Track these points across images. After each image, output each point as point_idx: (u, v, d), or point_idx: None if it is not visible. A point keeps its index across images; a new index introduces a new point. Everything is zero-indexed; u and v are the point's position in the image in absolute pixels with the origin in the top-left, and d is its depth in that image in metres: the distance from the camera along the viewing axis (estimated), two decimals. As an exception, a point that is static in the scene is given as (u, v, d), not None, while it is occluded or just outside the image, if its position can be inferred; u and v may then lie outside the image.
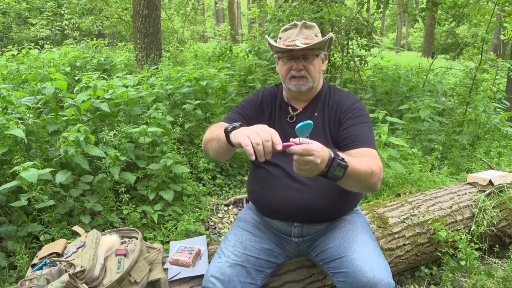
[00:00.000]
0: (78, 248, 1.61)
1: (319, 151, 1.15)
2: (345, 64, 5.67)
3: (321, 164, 1.16)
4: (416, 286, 2.05)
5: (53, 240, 2.21)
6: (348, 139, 1.51)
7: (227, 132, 1.31)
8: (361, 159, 1.36)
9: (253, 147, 1.13)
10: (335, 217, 1.61)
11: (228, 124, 1.34)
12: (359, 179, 1.31)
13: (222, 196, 3.38)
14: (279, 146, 1.15)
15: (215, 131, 1.46)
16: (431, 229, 2.14)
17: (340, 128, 1.56)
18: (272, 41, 1.59)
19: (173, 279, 1.64)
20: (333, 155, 1.22)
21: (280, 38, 1.61)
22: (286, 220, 1.61)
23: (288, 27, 1.60)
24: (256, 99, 1.70)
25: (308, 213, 1.55)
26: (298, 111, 1.65)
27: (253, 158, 1.13)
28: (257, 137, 1.14)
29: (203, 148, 1.59)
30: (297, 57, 1.54)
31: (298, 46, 1.50)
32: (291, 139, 1.17)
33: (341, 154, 1.27)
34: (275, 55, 1.65)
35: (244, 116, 1.64)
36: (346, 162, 1.23)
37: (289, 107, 1.67)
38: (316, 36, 1.58)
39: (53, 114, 2.97)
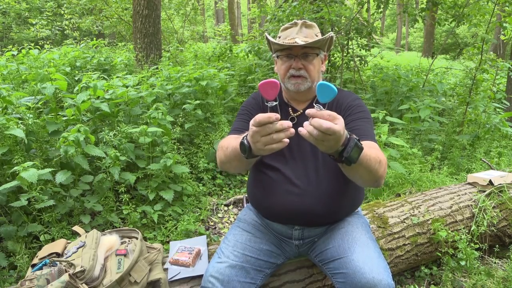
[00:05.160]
0: (78, 248, 1.61)
1: (342, 123, 1.07)
2: (345, 64, 5.67)
3: (341, 138, 1.08)
4: (416, 286, 2.05)
5: (53, 240, 2.21)
6: None
7: (249, 154, 1.24)
8: (370, 148, 1.30)
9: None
10: (336, 220, 1.61)
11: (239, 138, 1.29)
12: (369, 167, 1.25)
13: (222, 196, 3.38)
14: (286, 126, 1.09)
15: (230, 153, 1.40)
16: (431, 229, 2.14)
17: None
18: (271, 38, 1.56)
19: (173, 279, 1.64)
20: (349, 135, 1.15)
21: (279, 37, 1.58)
22: (287, 223, 1.60)
23: (288, 26, 1.58)
24: (257, 102, 1.67)
25: (309, 218, 1.54)
26: (299, 112, 1.63)
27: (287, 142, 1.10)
28: (266, 138, 1.11)
29: (219, 167, 1.54)
30: (297, 56, 1.52)
31: (298, 43, 1.48)
32: (308, 110, 1.07)
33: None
34: (273, 55, 1.62)
35: None
36: (361, 144, 1.17)
37: (289, 108, 1.64)
38: (317, 36, 1.55)
39: (53, 114, 2.97)
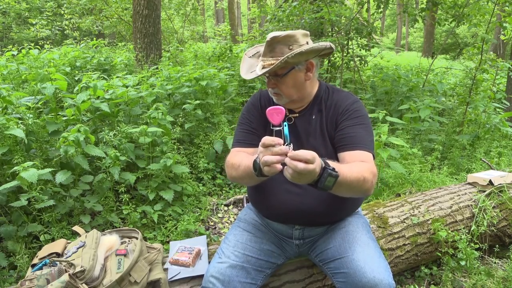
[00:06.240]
0: (78, 248, 1.61)
1: (317, 160, 1.14)
2: (345, 64, 5.67)
3: (315, 172, 1.14)
4: (416, 286, 2.05)
5: (53, 240, 2.21)
6: (343, 141, 1.48)
7: (259, 172, 1.28)
8: (353, 166, 1.33)
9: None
10: (337, 220, 1.61)
11: (251, 159, 1.34)
12: (351, 187, 1.28)
13: (222, 196, 3.38)
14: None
15: (242, 172, 1.43)
16: (431, 229, 2.14)
17: (336, 129, 1.53)
18: (242, 67, 1.59)
19: (173, 279, 1.64)
20: (323, 165, 1.18)
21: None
22: (287, 223, 1.60)
23: (258, 45, 1.60)
24: (256, 108, 1.66)
25: (309, 217, 1.54)
26: (296, 114, 1.62)
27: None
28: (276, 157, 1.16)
29: (230, 180, 1.60)
30: (268, 76, 1.51)
31: (257, 74, 1.47)
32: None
33: (331, 163, 1.22)
34: None
35: (255, 132, 1.61)
36: (336, 172, 1.19)
37: (287, 110, 1.62)
38: (290, 49, 1.43)
39: (53, 114, 2.97)
